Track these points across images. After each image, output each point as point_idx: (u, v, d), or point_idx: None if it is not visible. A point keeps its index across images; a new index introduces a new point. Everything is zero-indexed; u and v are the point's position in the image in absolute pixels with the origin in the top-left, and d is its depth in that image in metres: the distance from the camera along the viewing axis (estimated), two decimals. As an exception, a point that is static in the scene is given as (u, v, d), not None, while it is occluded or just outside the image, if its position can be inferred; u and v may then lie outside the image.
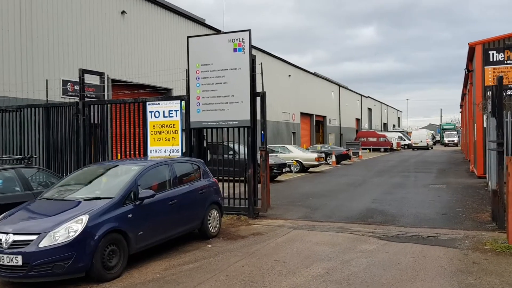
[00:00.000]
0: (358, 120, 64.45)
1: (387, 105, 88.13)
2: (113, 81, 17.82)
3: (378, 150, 50.86)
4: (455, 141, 63.42)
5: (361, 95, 65.78)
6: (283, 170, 19.09)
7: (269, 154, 23.05)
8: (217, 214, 8.52)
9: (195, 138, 10.62)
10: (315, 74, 45.36)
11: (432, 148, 58.02)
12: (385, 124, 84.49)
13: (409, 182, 17.54)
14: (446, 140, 65.36)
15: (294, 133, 38.52)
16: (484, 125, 18.03)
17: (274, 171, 18.52)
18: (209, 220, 8.21)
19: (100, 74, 12.30)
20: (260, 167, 10.54)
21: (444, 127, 78.39)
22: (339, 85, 54.40)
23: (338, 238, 8.18)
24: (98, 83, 17.20)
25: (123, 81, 17.66)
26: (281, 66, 36.10)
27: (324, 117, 47.86)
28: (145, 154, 10.98)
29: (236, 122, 10.18)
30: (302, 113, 40.73)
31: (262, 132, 10.13)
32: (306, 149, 32.30)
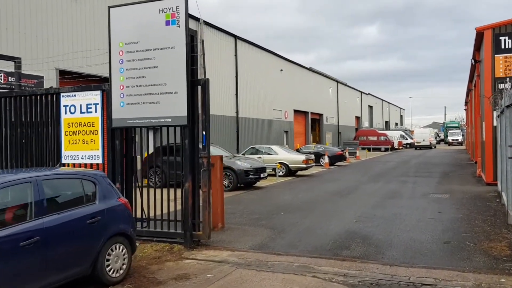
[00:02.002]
0: (358, 118, 61.81)
1: (389, 103, 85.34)
2: (62, 72, 15.34)
3: (379, 149, 48.41)
4: (460, 140, 61.19)
5: (361, 92, 63.10)
6: (261, 175, 16.56)
7: (248, 156, 20.64)
8: (124, 251, 6.01)
9: (119, 140, 8.10)
10: (310, 69, 42.71)
11: (435, 147, 55.50)
12: (387, 123, 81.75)
13: (406, 190, 14.98)
14: (450, 139, 62.98)
15: (286, 132, 35.96)
16: (495, 123, 15.46)
17: (251, 176, 16.03)
18: (107, 260, 5.71)
19: (15, 59, 9.80)
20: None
21: (448, 125, 75.88)
22: (337, 81, 51.74)
23: (293, 287, 5.66)
24: (41, 74, 14.84)
25: (74, 72, 15.18)
26: (271, 60, 33.51)
27: (320, 115, 45.25)
28: (59, 161, 8.50)
29: (170, 120, 7.65)
30: (295, 111, 38.14)
31: (204, 132, 7.60)
32: (298, 149, 29.83)
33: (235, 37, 27.49)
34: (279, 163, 20.89)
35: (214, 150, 17.72)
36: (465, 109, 49.39)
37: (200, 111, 7.72)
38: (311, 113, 42.16)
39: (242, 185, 16.24)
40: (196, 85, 7.68)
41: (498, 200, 11.98)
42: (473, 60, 18.60)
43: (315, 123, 45.22)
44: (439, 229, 8.66)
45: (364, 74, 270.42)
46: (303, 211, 11.00)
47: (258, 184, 17.43)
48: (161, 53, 7.64)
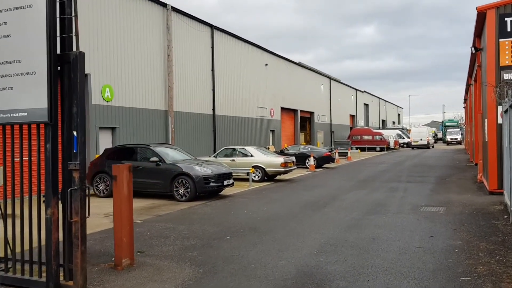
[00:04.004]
0: (352, 116, 59.35)
1: (386, 101, 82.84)
2: None
3: (374, 149, 46.09)
4: (458, 139, 59.11)
5: (356, 89, 60.61)
6: (225, 182, 14.07)
7: (215, 160, 18.15)
8: None
9: (-37, 145, 5.63)
10: (299, 64, 40.14)
11: (433, 146, 53.22)
12: (383, 121, 79.31)
13: (394, 200, 12.52)
14: (448, 138, 60.83)
15: (272, 131, 33.47)
16: (499, 121, 13.04)
17: (211, 184, 13.55)
18: None
19: None
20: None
21: (446, 124, 73.70)
22: (330, 78, 49.21)
23: None
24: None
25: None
26: (255, 53, 30.99)
27: (311, 113, 42.73)
28: None
29: (25, 114, 5.17)
30: (283, 108, 35.62)
31: (75, 132, 5.12)
32: (283, 150, 27.40)
33: (212, 26, 24.99)
34: (254, 166, 18.46)
35: (176, 153, 15.24)
36: (464, 107, 47.08)
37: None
38: (301, 111, 39.66)
39: (203, 194, 13.81)
40: (66, 62, 5.20)
41: (506, 217, 9.53)
42: (473, 48, 16.12)
43: (305, 121, 42.75)
44: (428, 267, 6.18)
45: (362, 74, 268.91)
46: (255, 234, 8.52)
47: (225, 191, 15.03)
48: (15, 15, 5.16)
